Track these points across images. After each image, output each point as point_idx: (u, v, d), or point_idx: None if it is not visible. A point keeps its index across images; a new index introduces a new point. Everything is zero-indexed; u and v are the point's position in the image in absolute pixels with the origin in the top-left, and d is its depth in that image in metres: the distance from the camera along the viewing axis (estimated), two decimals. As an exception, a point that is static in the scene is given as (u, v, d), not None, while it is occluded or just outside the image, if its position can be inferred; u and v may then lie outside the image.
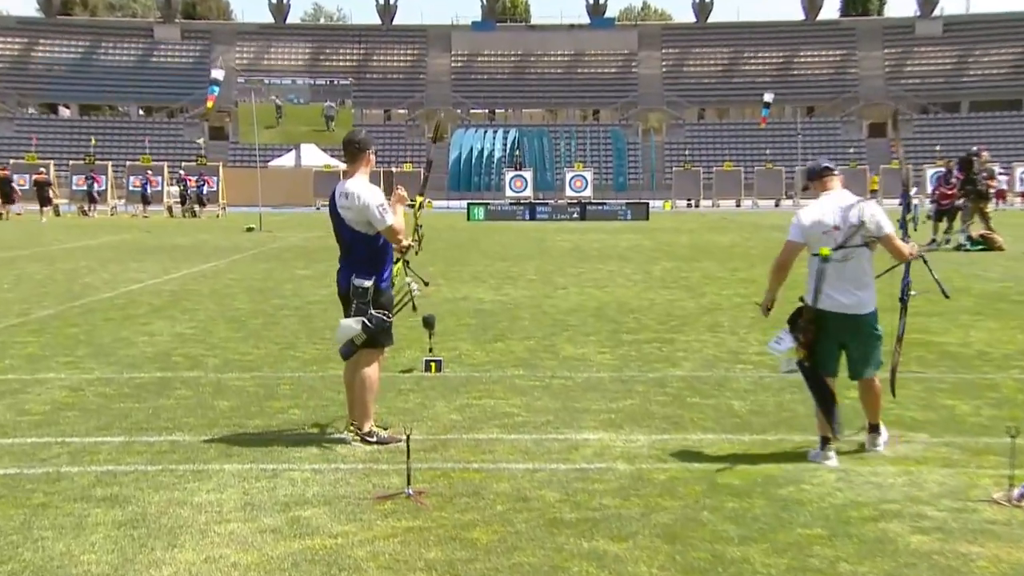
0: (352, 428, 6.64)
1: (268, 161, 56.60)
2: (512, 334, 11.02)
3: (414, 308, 7.68)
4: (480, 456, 6.32)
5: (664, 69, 78.03)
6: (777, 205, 52.98)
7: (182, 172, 44.01)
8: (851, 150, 63.95)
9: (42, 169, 42.29)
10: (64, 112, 75.85)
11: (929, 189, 52.40)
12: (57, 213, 41.16)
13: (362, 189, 6.50)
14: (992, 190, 24.70)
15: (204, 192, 42.52)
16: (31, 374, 8.84)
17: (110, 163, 47.47)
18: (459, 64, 79.12)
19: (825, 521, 5.15)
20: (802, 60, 76.93)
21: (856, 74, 75.57)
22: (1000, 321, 11.76)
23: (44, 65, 74.18)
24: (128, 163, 48.85)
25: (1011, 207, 47.33)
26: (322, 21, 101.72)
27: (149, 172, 44.12)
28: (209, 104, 53.36)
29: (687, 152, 63.77)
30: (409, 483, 5.53)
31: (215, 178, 44.24)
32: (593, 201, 43.59)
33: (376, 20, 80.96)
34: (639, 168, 60.95)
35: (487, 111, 78.48)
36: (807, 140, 62.10)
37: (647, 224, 36.09)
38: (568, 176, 47.90)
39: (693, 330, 11.26)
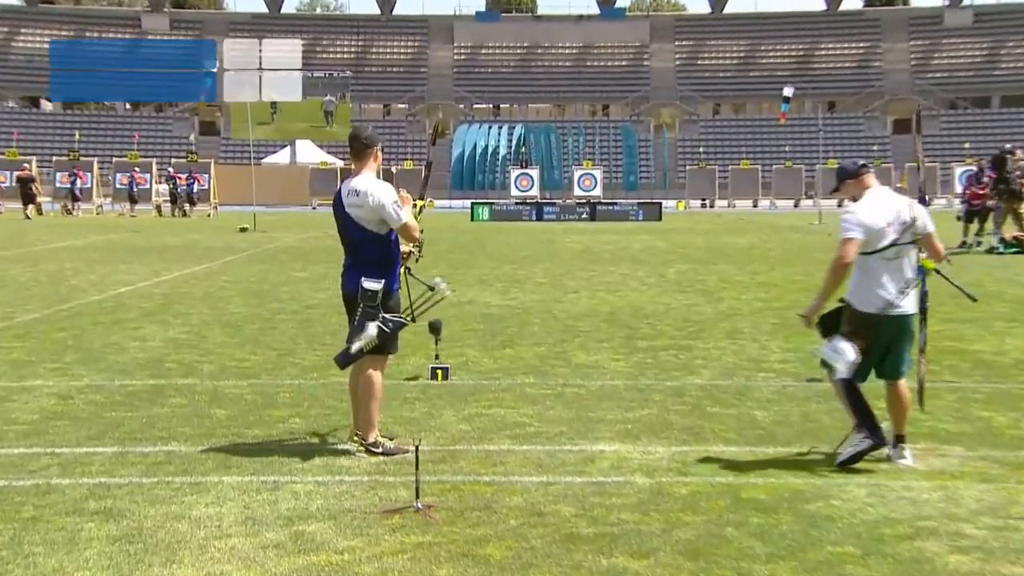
0: (356, 438, 6.65)
1: (262, 158, 56.68)
2: (521, 340, 11.02)
3: (413, 319, 7.58)
4: (491, 468, 6.32)
5: (677, 62, 78.09)
6: (796, 205, 52.96)
7: (171, 169, 44.05)
8: (875, 147, 63.90)
9: (25, 165, 42.34)
10: (46, 106, 75.98)
11: (959, 189, 52.46)
12: (40, 211, 41.23)
13: (374, 186, 6.52)
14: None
15: (194, 190, 42.55)
16: (17, 381, 8.86)
17: (95, 159, 47.45)
18: (462, 57, 79.24)
19: (857, 539, 5.14)
20: (823, 53, 76.96)
21: (880, 67, 75.58)
22: (1035, 328, 11.74)
23: (25, 56, 74.32)
24: (114, 159, 48.86)
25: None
26: (318, 11, 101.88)
27: (136, 169, 44.16)
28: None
29: (701, 149, 63.78)
30: (418, 496, 5.53)
31: (206, 175, 44.26)
32: (603, 201, 43.60)
33: (375, 10, 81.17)
34: (651, 166, 61.02)
35: (491, 106, 78.59)
36: (828, 137, 61.93)
37: (660, 225, 36.07)
38: (576, 174, 47.94)
39: (711, 336, 11.25)
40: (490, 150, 55.95)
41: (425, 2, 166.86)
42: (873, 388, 6.52)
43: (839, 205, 7.74)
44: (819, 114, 59.51)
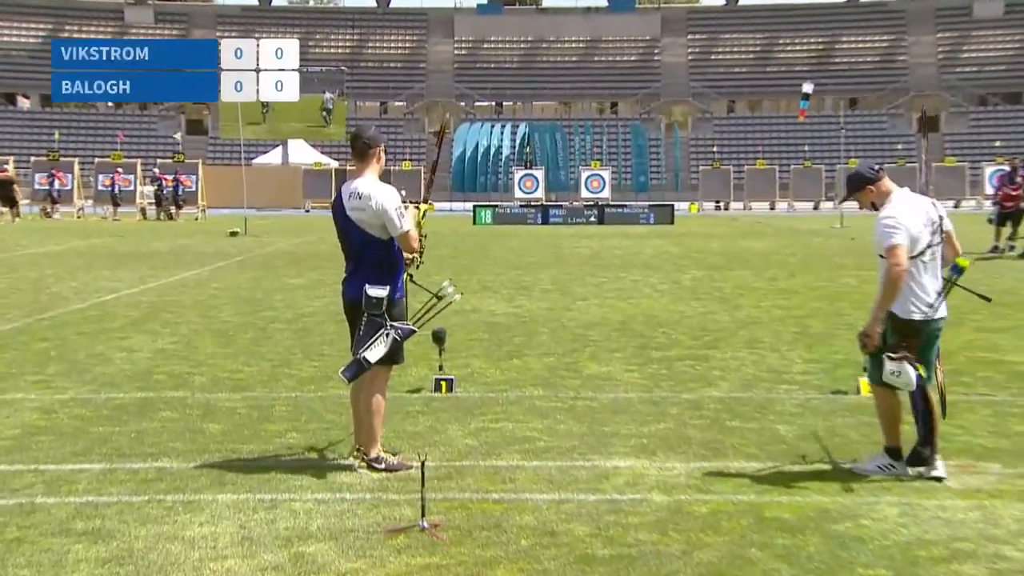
0: (358, 454, 6.66)
1: (252, 158, 56.77)
2: (529, 350, 11.04)
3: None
4: (500, 485, 6.33)
5: (690, 57, 78.18)
6: (816, 208, 52.99)
7: (157, 170, 44.11)
8: (899, 146, 63.94)
9: (6, 166, 42.37)
10: (23, 103, 76.09)
11: (989, 190, 52.46)
12: (18, 215, 41.28)
13: (377, 190, 6.53)
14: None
15: (180, 192, 42.59)
16: (-2, 394, 8.88)
17: (76, 160, 47.56)
18: (463, 51, 79.38)
19: (890, 561, 5.14)
20: (845, 46, 77.01)
21: (905, 62, 75.60)
22: (1072, 337, 11.73)
23: (1, 51, 74.51)
24: (96, 160, 49.01)
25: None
26: (311, 3, 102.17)
27: (119, 170, 44.22)
28: None
29: (715, 149, 63.85)
30: (423, 515, 5.54)
31: (193, 176, 44.30)
32: (612, 203, 43.69)
33: (371, 2, 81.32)
34: (662, 167, 61.06)
35: (494, 103, 78.67)
36: (850, 135, 61.90)
37: (672, 228, 36.10)
38: (584, 175, 48.05)
39: (729, 346, 11.26)
40: (492, 150, 56.05)
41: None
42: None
43: (874, 208, 7.68)
44: (840, 111, 59.59)
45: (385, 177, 6.80)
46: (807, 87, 43.50)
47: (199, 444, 7.24)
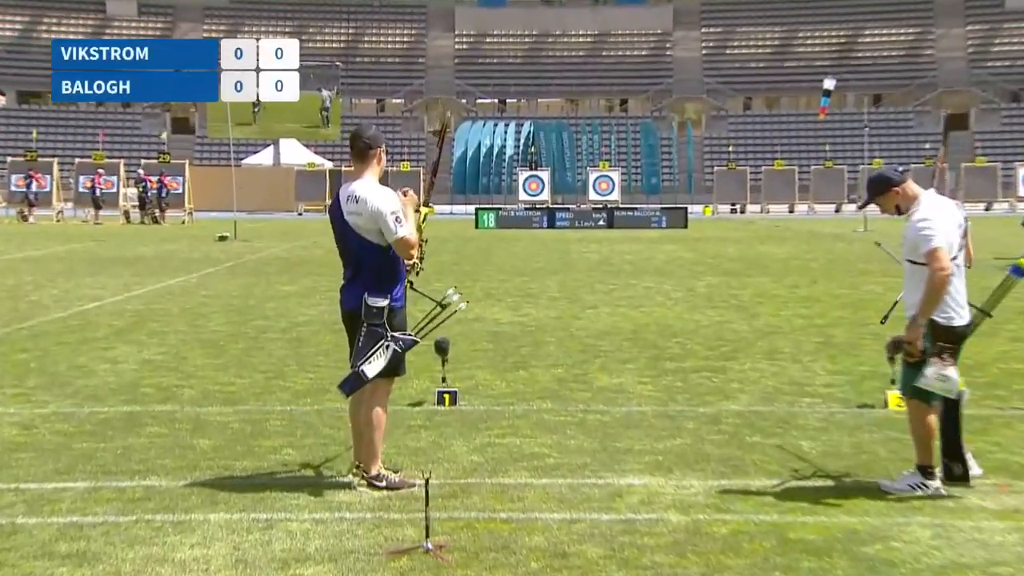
0: (357, 471, 6.66)
1: (242, 158, 56.87)
2: (536, 361, 11.06)
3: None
4: (508, 504, 6.33)
5: (704, 51, 78.27)
6: (838, 211, 52.98)
7: (141, 171, 44.18)
8: (927, 145, 63.85)
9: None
10: (-1, 100, 76.31)
11: (1022, 191, 52.45)
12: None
13: (373, 193, 6.54)
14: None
15: (165, 194, 42.65)
16: (-25, 408, 8.90)
17: (55, 160, 47.58)
18: (464, 46, 79.49)
19: (922, 585, 5.14)
20: (868, 39, 77.04)
21: (932, 56, 75.59)
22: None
23: (-26, 45, 74.69)
24: (77, 160, 49.03)
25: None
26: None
27: (101, 171, 44.30)
28: None
29: (731, 148, 63.87)
30: (427, 535, 5.54)
31: (180, 178, 44.37)
32: (621, 206, 43.74)
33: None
34: (674, 167, 61.03)
35: (497, 101, 78.78)
36: (874, 134, 61.95)
37: (686, 233, 36.13)
38: (592, 177, 48.10)
39: (748, 357, 11.27)
40: (495, 150, 56.10)
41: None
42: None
43: (899, 212, 7.68)
44: (863, 109, 59.62)
45: (383, 179, 6.80)
46: (828, 83, 43.59)
47: (189, 461, 7.24)
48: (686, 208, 41.97)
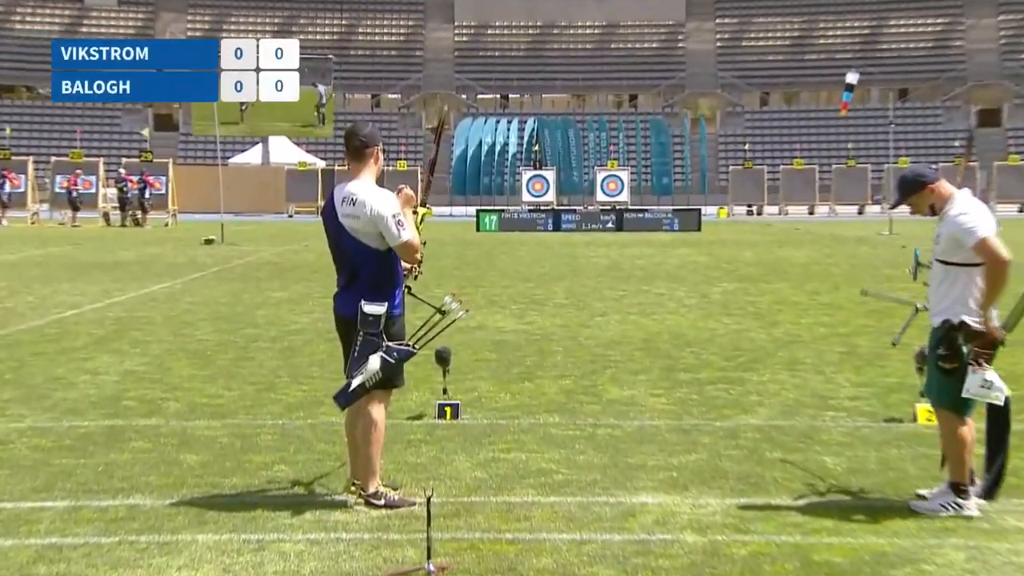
0: (354, 488, 6.67)
1: (229, 157, 56.92)
2: (542, 372, 11.07)
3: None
4: (514, 524, 6.34)
5: (718, 43, 78.32)
6: (861, 212, 53.01)
7: (122, 171, 44.21)
8: (956, 143, 63.89)
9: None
10: (-31, 96, 76.38)
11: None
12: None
13: (372, 195, 6.56)
14: None
15: (148, 195, 42.67)
16: (-53, 422, 8.90)
17: (30, 159, 47.59)
18: (464, 38, 79.59)
19: (955, 611, 5.15)
20: (893, 31, 77.07)
21: (962, 48, 75.59)
22: None
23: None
24: (53, 159, 49.07)
25: None
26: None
27: (79, 171, 44.31)
28: None
29: (747, 147, 63.78)
30: (429, 557, 5.54)
31: (163, 178, 44.39)
32: (631, 207, 43.70)
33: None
34: (687, 167, 61.06)
35: (499, 96, 78.84)
36: (900, 131, 61.98)
37: (699, 236, 36.16)
38: (600, 177, 48.03)
39: (767, 368, 11.29)
40: (497, 148, 56.11)
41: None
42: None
43: (932, 213, 7.69)
44: (889, 104, 59.54)
45: (379, 179, 6.81)
46: (851, 77, 43.65)
47: (175, 478, 7.25)
48: (699, 210, 41.97)
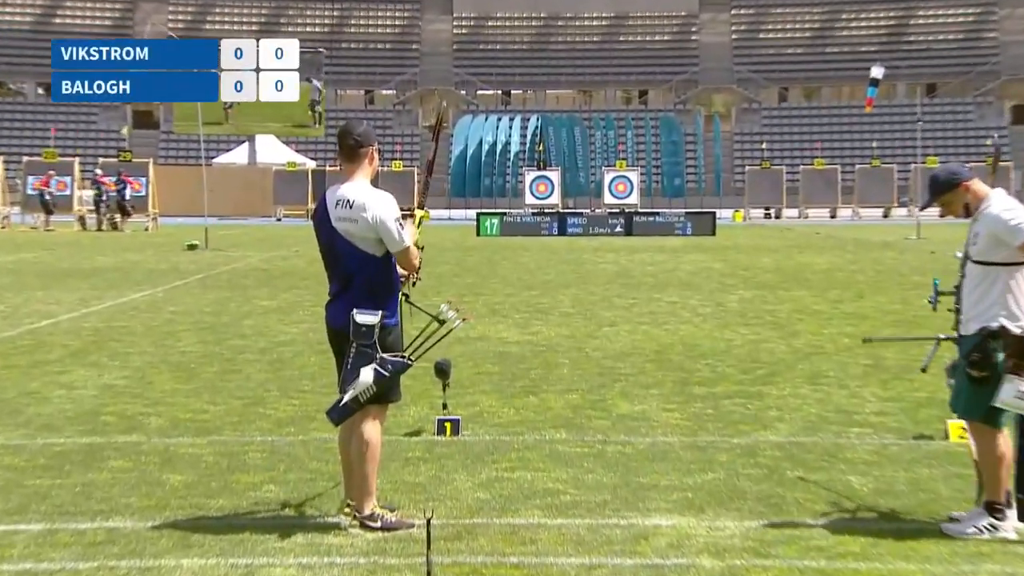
0: (348, 510, 6.67)
1: (213, 157, 56.98)
2: (548, 385, 11.08)
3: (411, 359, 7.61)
4: (519, 547, 6.33)
5: (734, 36, 78.44)
6: (886, 216, 53.05)
7: (99, 171, 44.26)
8: (988, 141, 63.85)
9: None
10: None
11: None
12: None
13: (371, 198, 6.56)
14: None
15: (127, 197, 42.69)
16: (-87, 440, 8.90)
17: (0, 159, 47.64)
18: (463, 30, 79.74)
19: (991, 642, 5.14)
20: (921, 22, 77.15)
21: (995, 40, 75.68)
22: None
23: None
24: (25, 159, 49.15)
25: None
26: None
27: (52, 171, 44.33)
28: None
29: (764, 145, 63.92)
30: (429, 583, 5.54)
31: (143, 179, 44.44)
32: (641, 210, 43.77)
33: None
34: (700, 167, 61.15)
35: (500, 92, 78.98)
36: (928, 128, 62.06)
37: (714, 241, 36.20)
38: (608, 178, 48.08)
39: (787, 381, 11.28)
40: (499, 147, 56.20)
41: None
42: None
43: (967, 214, 7.70)
44: (916, 100, 59.62)
45: (373, 181, 6.81)
46: (876, 71, 43.55)
47: (157, 499, 7.24)
48: (714, 213, 42.05)
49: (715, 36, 78.14)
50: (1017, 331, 6.43)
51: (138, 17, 76.24)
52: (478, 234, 39.26)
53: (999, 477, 6.53)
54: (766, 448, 8.57)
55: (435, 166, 8.35)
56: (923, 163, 46.66)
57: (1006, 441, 6.57)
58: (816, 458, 8.27)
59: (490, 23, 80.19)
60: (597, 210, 45.72)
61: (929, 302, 7.85)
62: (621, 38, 79.07)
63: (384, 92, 77.88)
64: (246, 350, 13.29)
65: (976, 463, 6.76)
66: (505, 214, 41.92)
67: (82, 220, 43.65)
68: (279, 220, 51.19)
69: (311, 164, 57.01)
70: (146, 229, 42.03)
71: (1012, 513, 6.55)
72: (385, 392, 6.62)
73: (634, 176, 47.92)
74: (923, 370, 8.21)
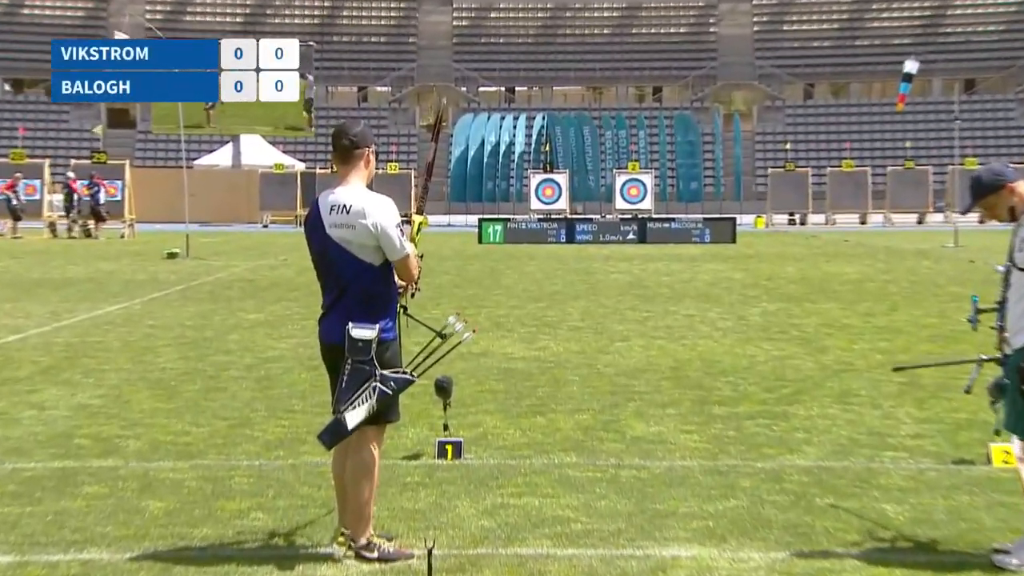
0: (343, 539, 6.67)
1: (195, 159, 57.05)
2: (556, 404, 11.08)
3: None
4: (527, 581, 6.34)
5: (756, 28, 78.54)
6: (921, 222, 53.05)
7: (71, 174, 44.32)
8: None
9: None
10: None
11: None
12: None
13: (370, 202, 6.57)
14: None
15: (101, 202, 42.71)
16: None
17: (-37, 160, 47.83)
18: (464, 23, 79.86)
19: None
20: (959, 13, 77.20)
21: (1035, 33, 75.68)
22: None
23: None
24: (-9, 160, 49.22)
25: None
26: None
27: (19, 174, 44.34)
28: None
29: (788, 146, 63.97)
30: (430, 619, 5.55)
31: (118, 182, 44.49)
32: (655, 216, 43.84)
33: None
34: (719, 169, 61.23)
35: (503, 89, 79.10)
36: (966, 127, 62.12)
37: (734, 249, 36.22)
38: (619, 181, 48.19)
39: (815, 401, 11.28)
40: (502, 148, 56.29)
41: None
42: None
43: (1012, 218, 7.71)
44: (953, 96, 59.66)
45: (369, 185, 6.82)
46: (910, 65, 43.68)
47: (137, 528, 7.24)
48: (734, 219, 42.08)
49: (735, 28, 78.23)
50: None
51: (112, 9, 76.37)
52: (480, 241, 39.30)
53: None
54: (793, 473, 8.56)
55: (434, 168, 8.36)
56: (960, 165, 46.76)
57: None
58: (847, 484, 8.26)
59: (492, 14, 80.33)
60: (608, 216, 45.75)
61: (968, 321, 7.85)
62: (634, 30, 79.18)
63: (378, 89, 78.01)
64: (231, 367, 13.29)
65: None
66: (509, 220, 41.98)
67: (52, 227, 43.67)
68: (266, 227, 51.25)
69: (300, 166, 57.10)
70: (122, 236, 42.06)
71: None
72: (384, 412, 6.62)
73: (648, 179, 48.00)
74: (967, 391, 8.20)
